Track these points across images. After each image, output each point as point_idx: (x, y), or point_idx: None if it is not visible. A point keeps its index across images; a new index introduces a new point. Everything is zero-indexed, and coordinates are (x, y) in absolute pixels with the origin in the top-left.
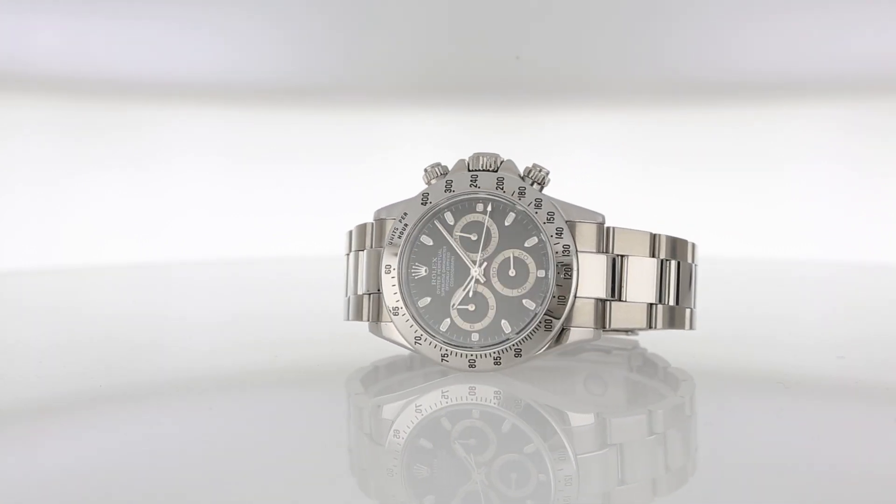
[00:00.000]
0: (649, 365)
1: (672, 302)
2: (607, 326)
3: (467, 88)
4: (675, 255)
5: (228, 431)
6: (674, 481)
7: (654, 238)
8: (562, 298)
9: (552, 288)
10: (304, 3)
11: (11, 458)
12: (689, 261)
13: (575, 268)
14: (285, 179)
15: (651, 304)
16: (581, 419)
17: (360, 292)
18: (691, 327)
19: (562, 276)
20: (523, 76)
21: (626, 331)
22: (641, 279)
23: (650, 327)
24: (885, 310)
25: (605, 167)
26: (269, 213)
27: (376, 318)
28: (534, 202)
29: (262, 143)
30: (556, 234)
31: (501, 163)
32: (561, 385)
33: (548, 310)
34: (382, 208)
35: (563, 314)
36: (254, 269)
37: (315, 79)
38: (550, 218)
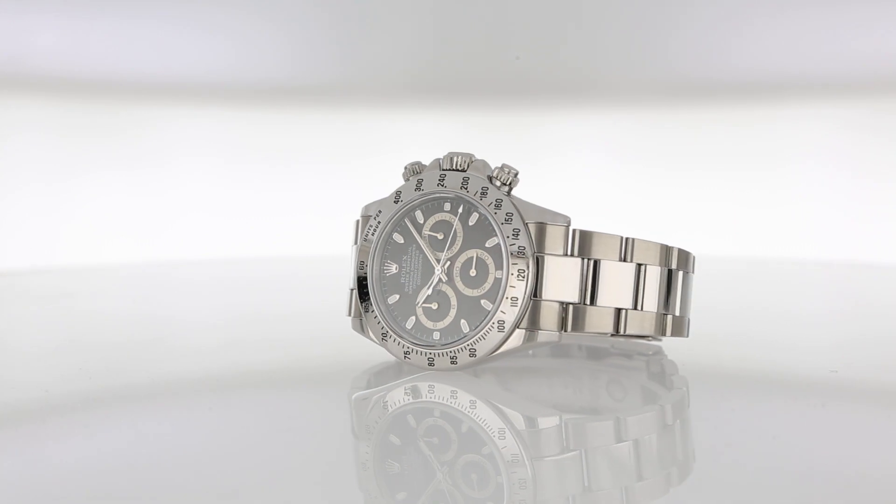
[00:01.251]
0: (658, 370)
1: (650, 308)
2: (569, 329)
3: (467, 88)
4: (649, 259)
5: (228, 431)
6: (645, 490)
7: (625, 242)
8: (514, 300)
9: (505, 289)
10: (304, 3)
11: (11, 458)
12: (669, 266)
13: (529, 269)
14: (285, 179)
15: (622, 310)
16: (546, 422)
17: (350, 287)
18: (675, 334)
19: (516, 277)
20: (523, 76)
21: (644, 336)
22: (613, 284)
23: (620, 333)
24: (885, 309)
25: (605, 167)
26: (270, 212)
27: (357, 313)
28: (494, 202)
29: (262, 143)
30: (513, 234)
31: (470, 163)
32: (537, 387)
33: (501, 311)
34: (368, 204)
35: (515, 316)
36: (254, 268)
37: (315, 79)
38: (508, 219)
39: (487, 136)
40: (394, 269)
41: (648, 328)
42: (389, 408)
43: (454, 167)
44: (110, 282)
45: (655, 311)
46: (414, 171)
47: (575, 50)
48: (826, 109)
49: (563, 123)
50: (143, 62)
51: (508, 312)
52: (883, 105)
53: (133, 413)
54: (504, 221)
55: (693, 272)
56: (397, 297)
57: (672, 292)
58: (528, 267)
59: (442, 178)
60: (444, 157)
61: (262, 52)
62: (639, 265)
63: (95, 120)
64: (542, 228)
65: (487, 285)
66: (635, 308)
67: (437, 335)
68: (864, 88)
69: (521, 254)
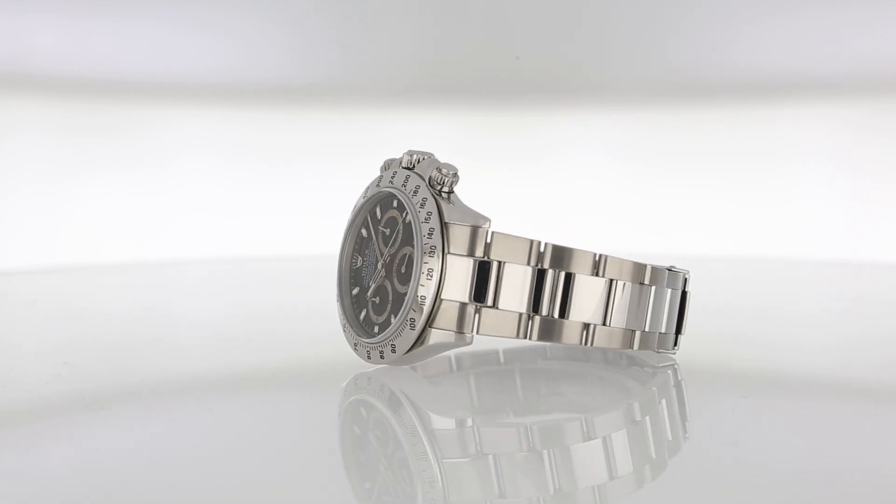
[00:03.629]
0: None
1: (556, 314)
2: (471, 332)
3: (467, 88)
4: (561, 264)
5: (228, 431)
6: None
7: (533, 245)
8: (422, 298)
9: (416, 288)
10: (304, 3)
11: (11, 458)
12: (583, 272)
13: (438, 269)
14: (285, 179)
15: (524, 315)
16: (443, 423)
17: None
18: (583, 342)
19: (425, 276)
20: (523, 76)
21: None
22: (516, 287)
23: (524, 337)
24: (885, 309)
25: (605, 167)
26: (270, 212)
27: None
28: (420, 201)
29: (262, 142)
30: (428, 234)
31: (419, 161)
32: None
33: (412, 309)
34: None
35: (424, 315)
36: (255, 268)
37: (315, 79)
38: (427, 218)
39: (487, 136)
40: (359, 262)
41: (556, 335)
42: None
43: (405, 165)
44: (110, 281)
45: (560, 318)
46: (386, 167)
47: (575, 50)
48: (826, 109)
49: (563, 123)
50: (143, 62)
51: (418, 311)
52: (883, 105)
53: (133, 413)
54: (423, 220)
55: (663, 286)
56: (358, 289)
57: (576, 296)
58: (436, 267)
59: (393, 176)
60: (404, 153)
61: (262, 52)
62: (540, 270)
63: (95, 120)
64: (453, 229)
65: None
66: (537, 313)
67: (376, 329)
68: (864, 88)
69: (431, 253)
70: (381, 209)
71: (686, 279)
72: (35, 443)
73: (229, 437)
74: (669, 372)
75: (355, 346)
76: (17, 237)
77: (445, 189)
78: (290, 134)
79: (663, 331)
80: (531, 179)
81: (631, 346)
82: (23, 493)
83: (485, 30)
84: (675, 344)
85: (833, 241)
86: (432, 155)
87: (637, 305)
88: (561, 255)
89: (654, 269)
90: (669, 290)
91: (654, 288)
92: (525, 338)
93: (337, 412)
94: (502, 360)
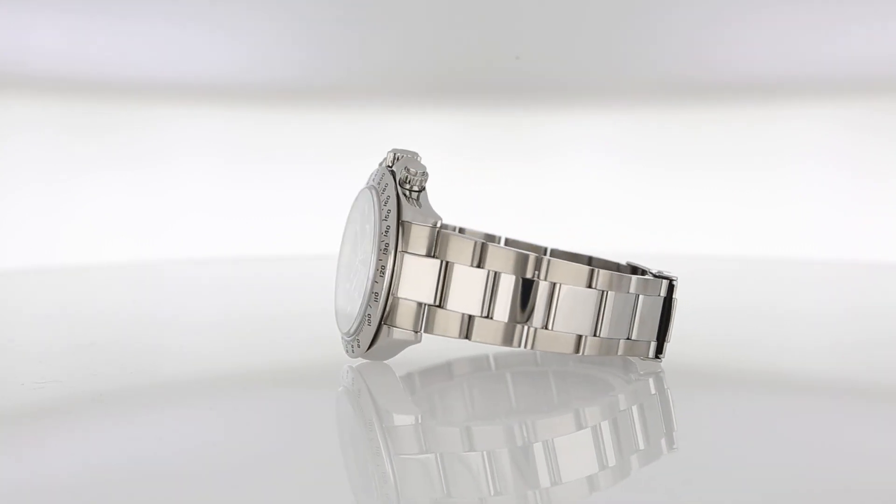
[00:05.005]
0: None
1: (501, 317)
2: (421, 331)
3: (467, 88)
4: (507, 267)
5: (227, 430)
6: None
7: (478, 246)
8: (376, 295)
9: (371, 284)
10: (305, 4)
11: (10, 459)
12: (530, 276)
13: (389, 267)
14: (286, 179)
15: (470, 316)
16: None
17: None
18: (531, 347)
19: (378, 273)
20: (523, 76)
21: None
22: (464, 288)
23: (465, 338)
24: (885, 309)
25: (605, 167)
26: (270, 212)
27: None
28: (385, 200)
29: (262, 142)
30: (385, 232)
31: (398, 159)
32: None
33: (368, 305)
34: None
35: (378, 312)
36: (255, 267)
37: (316, 79)
38: (386, 215)
39: (487, 136)
40: (352, 257)
41: (505, 339)
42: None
43: (389, 163)
44: (110, 281)
45: (506, 320)
46: (379, 164)
47: (575, 50)
48: (826, 109)
49: (563, 123)
50: (143, 62)
51: (373, 307)
52: (883, 105)
53: (132, 412)
54: (383, 218)
55: (626, 291)
56: (348, 284)
57: (532, 301)
58: (388, 264)
59: (374, 173)
60: (388, 152)
61: (262, 51)
62: (492, 272)
63: (95, 119)
64: (408, 227)
65: None
66: (485, 316)
67: (355, 322)
68: (863, 88)
69: (385, 250)
70: (364, 205)
71: (672, 285)
72: (33, 443)
73: (217, 437)
74: (651, 379)
75: (342, 340)
76: (18, 237)
77: (415, 188)
78: (290, 134)
79: (633, 337)
80: (531, 179)
81: (578, 351)
82: (21, 494)
83: (485, 30)
84: (660, 352)
85: (833, 241)
86: (415, 154)
87: (583, 310)
88: (508, 257)
89: (608, 274)
90: (636, 296)
91: (611, 293)
92: (466, 339)
93: (322, 411)
94: (493, 365)
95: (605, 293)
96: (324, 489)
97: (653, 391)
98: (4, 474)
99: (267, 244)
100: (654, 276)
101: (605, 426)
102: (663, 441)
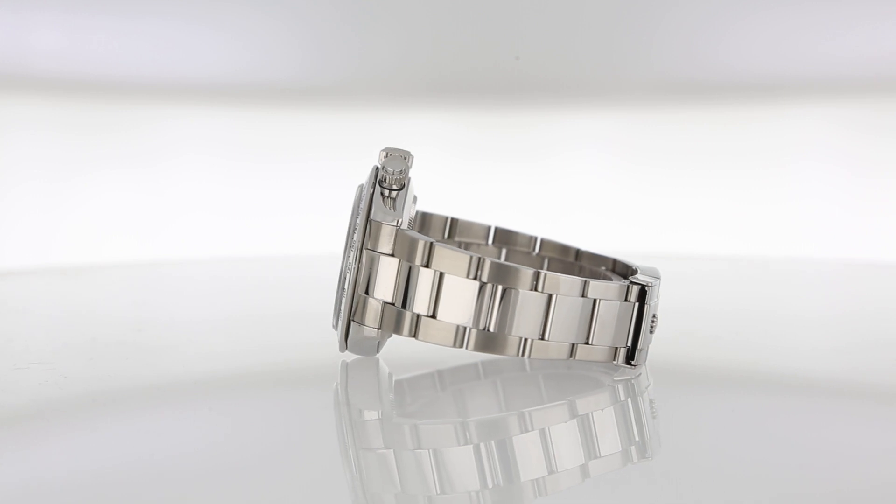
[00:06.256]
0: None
1: (446, 318)
2: (377, 328)
3: (467, 88)
4: (454, 269)
5: (227, 430)
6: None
7: (426, 247)
8: (345, 292)
9: (343, 281)
10: (305, 3)
11: (10, 459)
12: (459, 273)
13: (354, 265)
14: (286, 178)
15: (418, 316)
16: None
17: None
18: (464, 346)
19: (347, 269)
20: (523, 76)
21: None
22: (421, 289)
23: (413, 336)
24: (884, 307)
25: (605, 167)
26: (271, 211)
27: None
28: (366, 198)
29: (263, 142)
30: (355, 230)
31: (386, 157)
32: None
33: (342, 301)
34: None
35: (346, 308)
36: (256, 267)
37: (317, 78)
38: (361, 213)
39: (487, 136)
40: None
41: (446, 340)
42: None
43: (379, 161)
44: (110, 280)
45: (456, 322)
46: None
47: (575, 50)
48: (826, 109)
49: (563, 122)
50: (143, 61)
51: (344, 303)
52: (882, 104)
53: (132, 411)
54: (357, 216)
55: (574, 295)
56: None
57: (481, 303)
58: (354, 263)
59: (372, 172)
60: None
61: (263, 51)
62: (440, 273)
63: (96, 118)
64: (377, 227)
65: None
66: (428, 315)
67: (335, 318)
68: (863, 87)
69: (352, 248)
70: (354, 202)
71: (645, 291)
72: (31, 443)
73: (215, 437)
74: (619, 387)
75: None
76: (18, 236)
77: (395, 187)
78: (291, 133)
79: (590, 342)
80: (531, 179)
81: (517, 354)
82: (21, 494)
83: (485, 30)
84: (632, 358)
85: (833, 240)
86: (407, 153)
87: (517, 311)
88: (435, 255)
89: (555, 277)
90: (594, 301)
91: (555, 296)
92: (414, 338)
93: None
94: (482, 373)
95: (553, 297)
96: (318, 486)
97: (622, 397)
98: (1, 475)
99: (267, 243)
100: (632, 281)
101: (573, 428)
102: (633, 448)
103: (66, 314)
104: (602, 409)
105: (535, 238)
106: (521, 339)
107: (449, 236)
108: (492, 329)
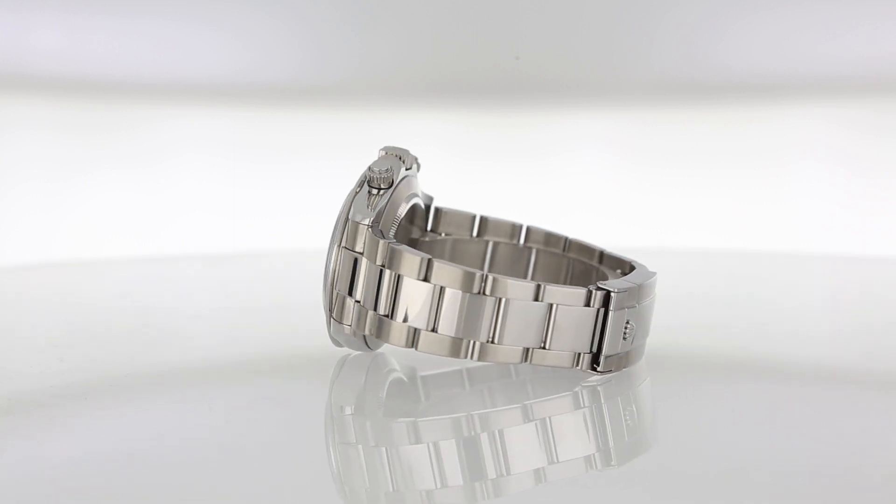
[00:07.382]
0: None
1: (383, 311)
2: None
3: (467, 88)
4: (408, 270)
5: (226, 428)
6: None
7: (385, 247)
8: (325, 288)
9: (326, 277)
10: (306, 3)
11: (11, 452)
12: (411, 275)
13: (332, 261)
14: (287, 178)
15: (381, 318)
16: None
17: None
18: (410, 345)
19: (326, 266)
20: (523, 76)
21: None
22: (362, 283)
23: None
24: (883, 303)
25: (605, 167)
26: (272, 210)
27: None
28: (350, 195)
29: (263, 141)
30: (335, 226)
31: (381, 156)
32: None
33: (327, 296)
34: None
35: (327, 304)
36: (256, 265)
37: (318, 78)
38: (344, 211)
39: (487, 136)
40: None
41: (399, 340)
42: None
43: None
44: (110, 278)
45: (407, 322)
46: None
47: (575, 50)
48: (826, 108)
49: (563, 122)
50: (144, 60)
51: (325, 299)
52: (882, 104)
53: (131, 409)
54: (341, 213)
55: (525, 300)
56: None
57: (382, 291)
58: (331, 259)
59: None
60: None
61: (263, 51)
62: (397, 275)
63: (96, 117)
64: (354, 226)
65: None
66: (373, 310)
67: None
68: (863, 87)
69: (331, 244)
70: None
71: (610, 296)
72: (29, 435)
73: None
74: (578, 389)
75: None
76: (18, 234)
77: (384, 186)
78: (291, 133)
79: (546, 347)
80: (531, 179)
81: (461, 355)
82: (21, 486)
83: (485, 30)
84: (596, 363)
85: (833, 237)
86: (405, 154)
87: (467, 314)
88: (392, 256)
89: (504, 280)
90: (549, 306)
91: (502, 299)
92: (374, 336)
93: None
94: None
95: (500, 300)
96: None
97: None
98: (3, 467)
99: (267, 242)
100: (598, 286)
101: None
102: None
103: (65, 310)
104: (560, 415)
105: (521, 226)
106: (469, 341)
107: (432, 229)
108: (450, 332)
